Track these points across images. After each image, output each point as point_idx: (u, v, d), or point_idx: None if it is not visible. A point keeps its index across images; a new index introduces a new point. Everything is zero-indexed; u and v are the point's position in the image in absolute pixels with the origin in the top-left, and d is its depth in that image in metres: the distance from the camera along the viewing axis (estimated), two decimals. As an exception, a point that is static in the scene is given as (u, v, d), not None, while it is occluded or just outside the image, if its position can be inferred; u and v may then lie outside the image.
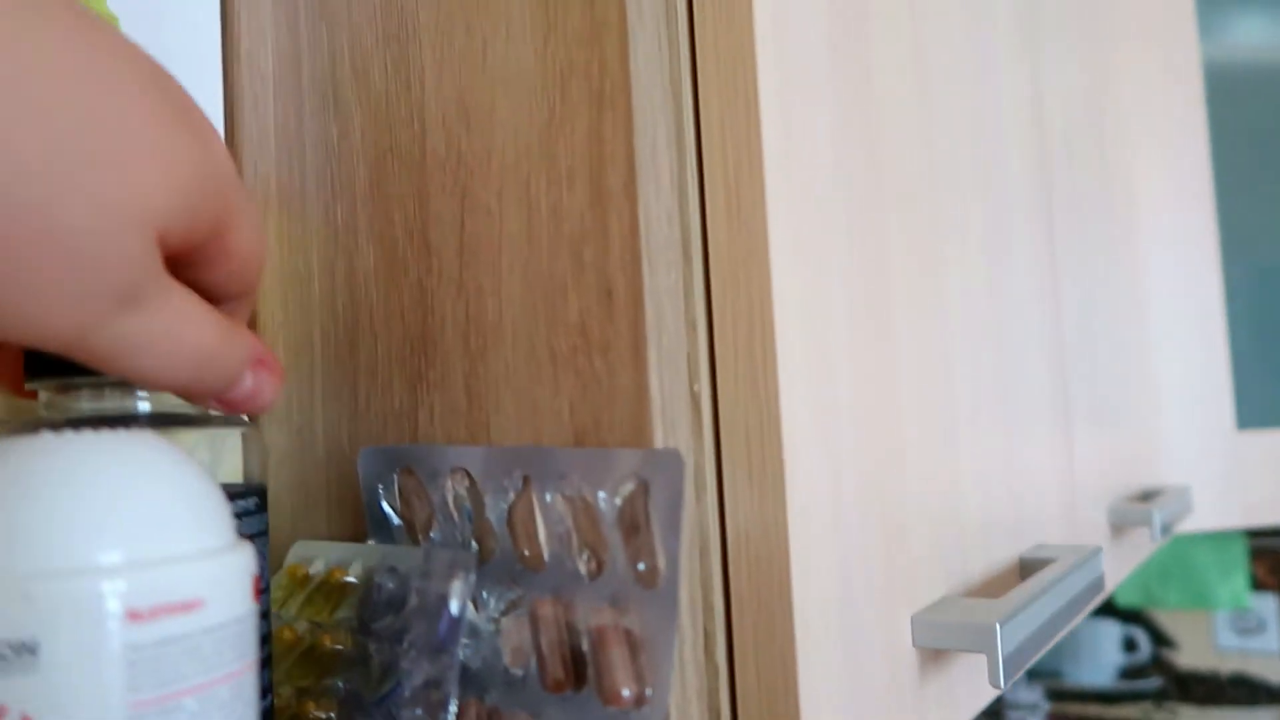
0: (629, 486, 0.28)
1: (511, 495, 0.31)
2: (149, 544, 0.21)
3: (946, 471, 0.40)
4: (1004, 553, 0.46)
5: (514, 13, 0.32)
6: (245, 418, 0.32)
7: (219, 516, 0.23)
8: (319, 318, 0.38)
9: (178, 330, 0.22)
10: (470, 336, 0.33)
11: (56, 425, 0.28)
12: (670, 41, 0.31)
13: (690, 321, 0.30)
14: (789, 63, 0.32)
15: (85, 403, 0.28)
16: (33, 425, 0.28)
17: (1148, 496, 0.75)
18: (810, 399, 0.31)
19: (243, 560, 0.23)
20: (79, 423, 0.28)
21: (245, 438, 0.32)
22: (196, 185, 0.22)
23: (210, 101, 0.41)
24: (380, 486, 0.34)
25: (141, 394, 0.29)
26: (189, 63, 0.40)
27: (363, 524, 0.37)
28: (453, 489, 0.32)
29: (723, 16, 0.31)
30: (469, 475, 0.32)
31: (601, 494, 0.28)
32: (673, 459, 0.27)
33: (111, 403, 0.29)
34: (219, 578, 0.22)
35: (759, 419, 0.30)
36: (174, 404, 0.30)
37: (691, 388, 0.30)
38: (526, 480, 0.30)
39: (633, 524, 0.27)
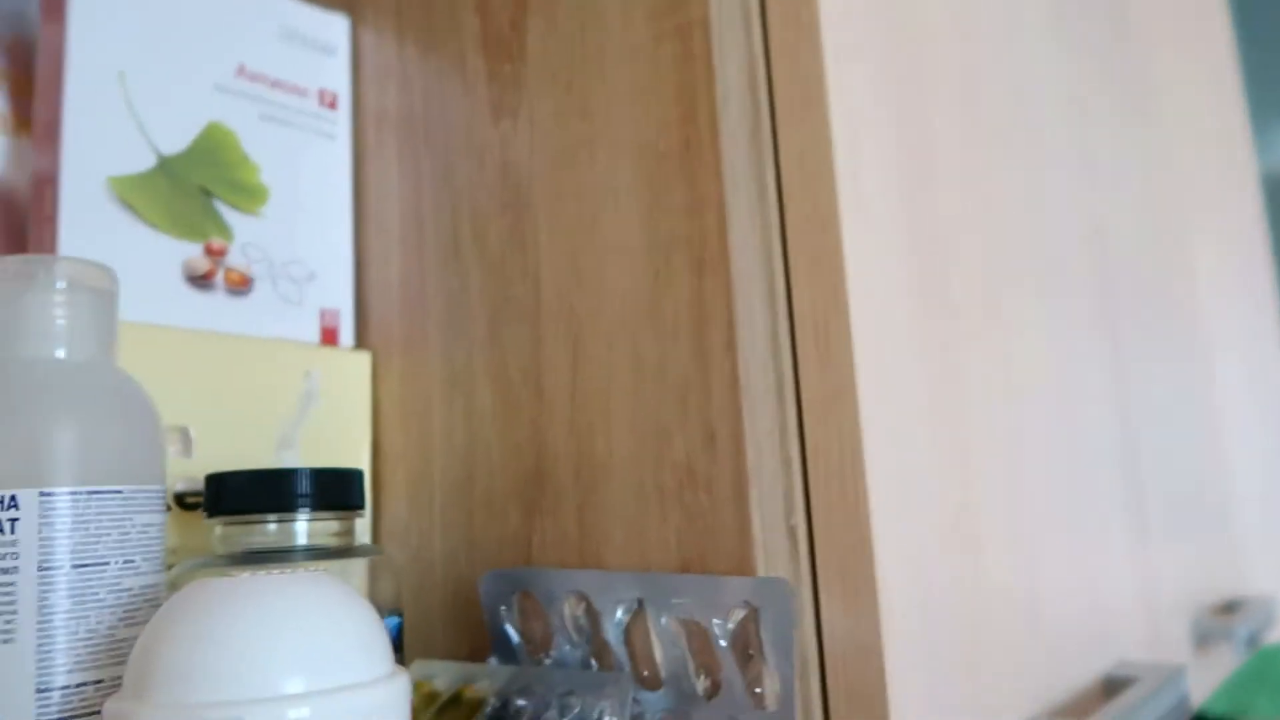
0: (740, 613, 0.31)
1: (626, 617, 0.34)
2: (329, 674, 0.25)
3: (1027, 587, 0.42)
4: (1086, 668, 0.47)
5: (621, 188, 0.37)
6: (379, 547, 0.36)
7: (383, 645, 0.27)
8: (438, 449, 0.42)
9: None
10: (581, 471, 0.37)
11: (234, 558, 0.32)
12: (762, 213, 0.35)
13: (785, 459, 0.34)
14: (867, 222, 0.36)
15: (254, 536, 0.32)
16: (213, 560, 0.32)
17: (1231, 607, 0.75)
18: (899, 525, 0.34)
19: (403, 684, 0.27)
20: (251, 555, 0.32)
21: (375, 565, 0.36)
22: None
23: (341, 254, 0.46)
24: (502, 608, 0.37)
25: (300, 528, 0.33)
26: (323, 219, 0.45)
27: (475, 642, 0.40)
28: (570, 611, 0.35)
29: (808, 186, 0.35)
30: (585, 598, 0.35)
31: (715, 620, 0.31)
32: (781, 587, 0.30)
33: (275, 537, 0.33)
34: (386, 701, 0.26)
35: (852, 547, 0.33)
36: (325, 538, 0.34)
37: (788, 521, 0.33)
38: (640, 603, 0.33)
39: (746, 648, 0.30)
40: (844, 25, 0.38)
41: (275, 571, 0.25)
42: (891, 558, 0.33)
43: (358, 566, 0.37)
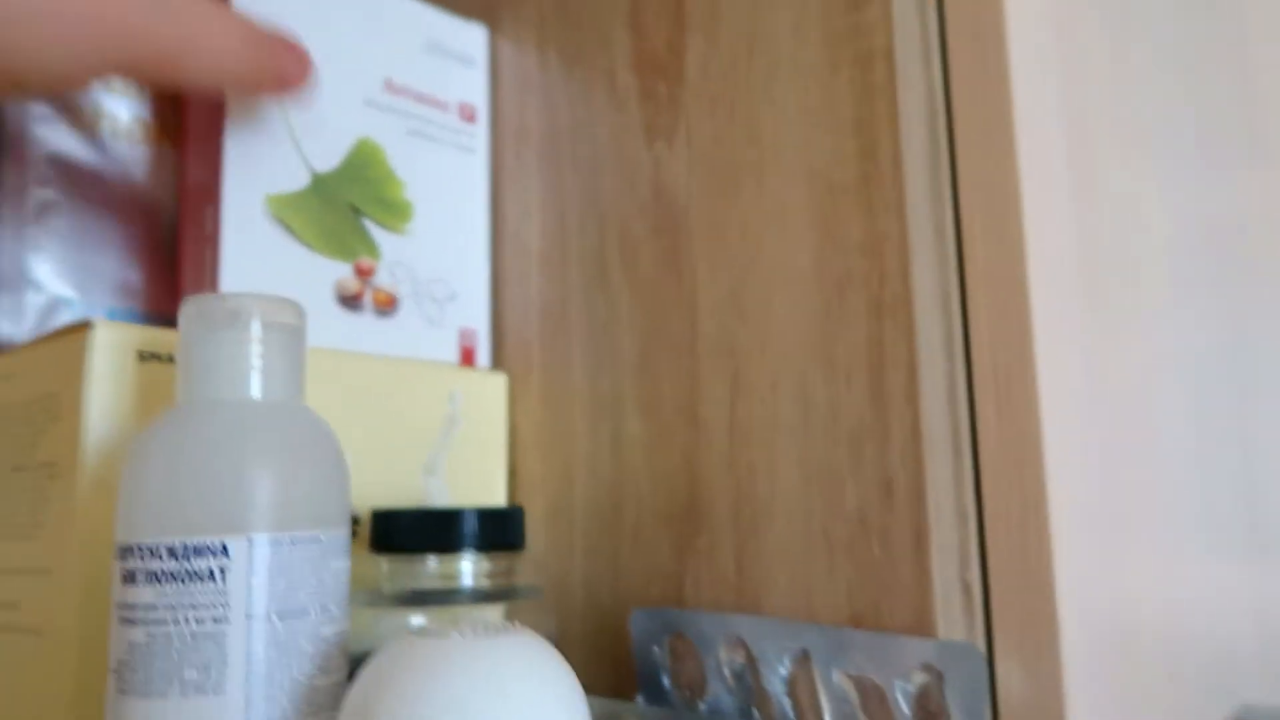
0: (922, 676, 0.30)
1: (791, 668, 0.33)
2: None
3: (1170, 633, 0.41)
4: (1214, 713, 0.46)
5: (790, 219, 0.35)
6: (539, 588, 0.35)
7: (585, 712, 0.26)
8: (581, 476, 0.41)
9: (213, 20, 0.33)
10: (741, 511, 0.36)
11: (402, 598, 0.31)
12: (941, 254, 0.33)
13: (961, 513, 0.32)
14: (1050, 266, 0.34)
15: (421, 577, 0.32)
16: (380, 597, 0.31)
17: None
18: (1080, 583, 0.33)
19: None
20: (418, 595, 0.32)
21: (533, 608, 0.35)
22: None
23: (479, 273, 0.45)
24: (654, 648, 0.36)
25: (465, 568, 0.33)
26: (462, 237, 0.45)
27: (616, 676, 0.39)
28: (727, 655, 0.35)
29: (991, 228, 0.34)
30: (744, 644, 0.34)
31: (896, 680, 0.30)
32: (971, 654, 0.29)
33: (440, 578, 0.32)
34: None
35: (1034, 607, 0.31)
36: (488, 578, 0.33)
37: (962, 576, 0.32)
38: (806, 654, 0.33)
39: (928, 714, 0.29)
40: (1030, 64, 0.36)
41: (468, 626, 0.25)
42: (1072, 617, 0.32)
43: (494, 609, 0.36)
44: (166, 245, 0.44)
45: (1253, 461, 0.50)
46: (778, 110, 0.36)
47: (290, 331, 0.28)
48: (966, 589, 0.32)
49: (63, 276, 0.41)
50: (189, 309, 0.28)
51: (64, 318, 0.41)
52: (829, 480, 0.33)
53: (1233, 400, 0.49)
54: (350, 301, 0.39)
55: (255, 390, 0.27)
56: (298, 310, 0.29)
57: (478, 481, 0.42)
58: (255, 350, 0.27)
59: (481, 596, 0.32)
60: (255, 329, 0.27)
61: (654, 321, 0.39)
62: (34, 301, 0.40)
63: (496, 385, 0.43)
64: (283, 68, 0.36)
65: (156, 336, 0.32)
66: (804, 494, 0.34)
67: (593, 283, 0.42)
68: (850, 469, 0.33)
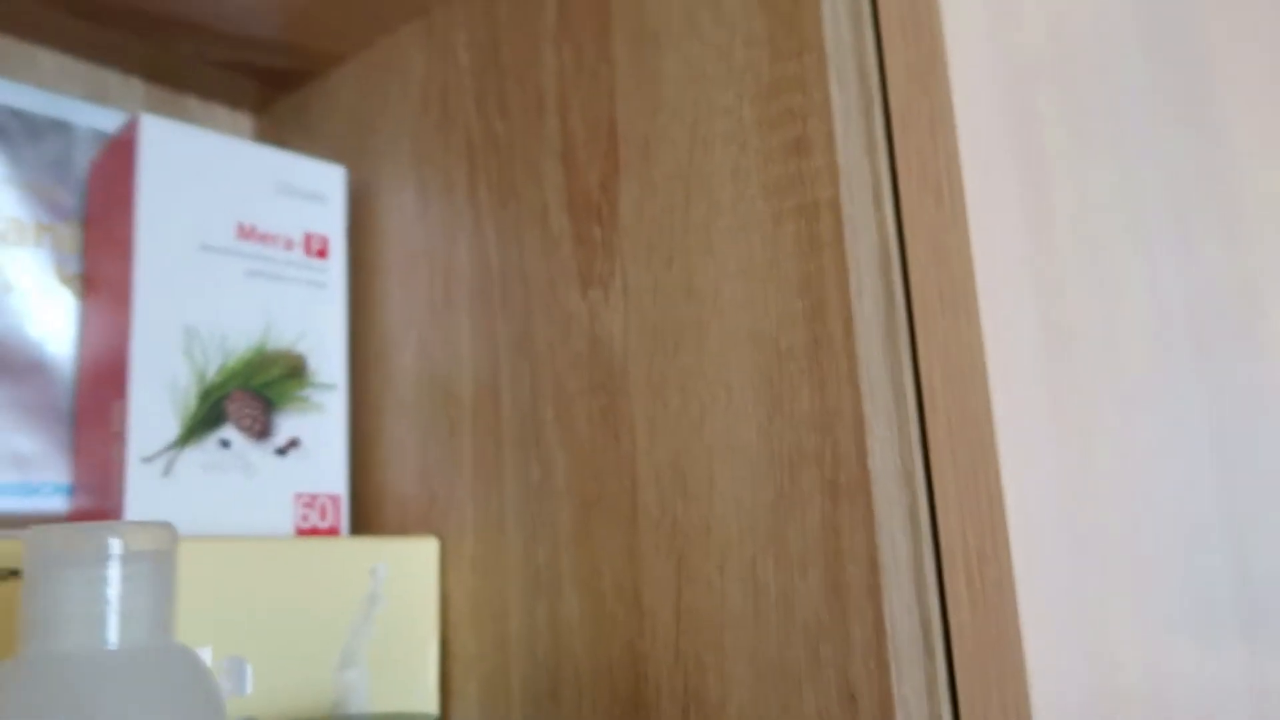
0: None
1: None
2: None
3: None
4: None
5: (735, 385, 0.32)
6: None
7: None
8: (517, 658, 0.37)
9: None
10: (691, 711, 0.32)
11: None
12: (901, 425, 0.30)
13: (935, 720, 0.29)
14: (1022, 428, 0.31)
15: None
16: None
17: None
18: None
19: None
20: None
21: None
22: None
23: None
24: None
25: None
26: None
27: None
28: None
29: (955, 392, 0.30)
30: None
31: None
32: None
33: None
34: None
35: (1019, 836, 0.28)
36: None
37: (940, 794, 0.28)
38: None
39: None
40: (990, 202, 0.33)
41: None
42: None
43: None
44: (61, 409, 0.40)
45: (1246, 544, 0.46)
46: (719, 264, 0.33)
47: (156, 560, 0.25)
48: (944, 811, 0.28)
49: (-60, 452, 0.37)
50: (33, 541, 0.24)
51: (-59, 498, 0.37)
52: (784, 683, 0.30)
53: (1221, 480, 0.46)
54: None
55: (109, 637, 0.23)
56: (167, 534, 0.25)
57: (408, 659, 0.38)
58: (111, 590, 0.24)
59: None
60: (111, 565, 0.24)
61: (592, 490, 0.36)
62: (-95, 483, 0.36)
63: (427, 551, 0.40)
64: None
65: (11, 550, 0.28)
66: (758, 697, 0.30)
67: (527, 440, 0.38)
68: (808, 672, 0.29)
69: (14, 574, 0.28)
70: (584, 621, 0.35)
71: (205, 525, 0.38)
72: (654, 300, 0.35)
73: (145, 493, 0.36)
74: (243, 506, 0.39)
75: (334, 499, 0.42)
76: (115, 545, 0.24)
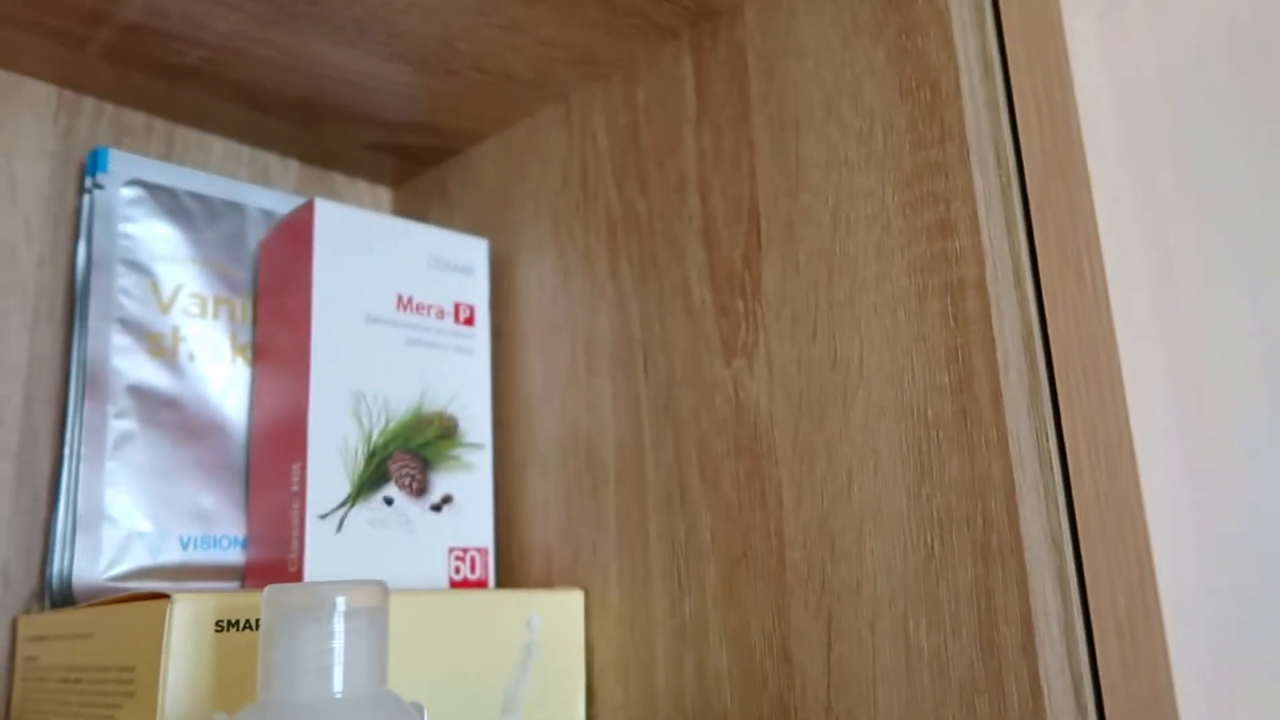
0: None
1: None
2: None
3: None
4: None
5: (882, 452, 0.34)
6: None
7: None
8: (664, 709, 0.39)
9: None
10: (843, 764, 0.33)
11: None
12: (1047, 491, 0.32)
13: (1090, 777, 0.30)
14: (1162, 491, 0.32)
15: None
16: None
17: None
18: None
19: None
20: None
21: None
22: None
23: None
24: None
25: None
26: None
27: None
28: None
29: (1099, 460, 0.32)
30: None
31: None
32: None
33: None
34: None
35: None
36: None
37: None
38: None
39: None
40: (1126, 268, 0.35)
41: None
42: None
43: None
44: (237, 467, 0.43)
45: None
46: (863, 337, 0.35)
47: (373, 615, 0.27)
48: None
49: (138, 508, 0.41)
50: (271, 599, 0.27)
51: (138, 551, 0.40)
52: (940, 740, 0.31)
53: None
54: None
55: (336, 686, 0.26)
56: (381, 591, 0.28)
57: (558, 708, 0.40)
58: (338, 643, 0.26)
59: None
60: (338, 620, 0.26)
61: (738, 547, 0.38)
62: (110, 537, 0.40)
63: (573, 603, 0.42)
64: None
65: (232, 604, 0.31)
66: (913, 752, 0.32)
67: (673, 499, 0.40)
68: (964, 729, 0.31)
69: (231, 625, 0.31)
70: (733, 674, 0.37)
71: (371, 577, 0.41)
72: (798, 370, 0.37)
73: (321, 547, 0.39)
74: (404, 559, 0.42)
75: (482, 552, 0.44)
76: (341, 603, 0.27)
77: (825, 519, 0.35)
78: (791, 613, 0.36)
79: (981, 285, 0.32)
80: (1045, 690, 0.29)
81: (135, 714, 0.30)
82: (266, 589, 0.27)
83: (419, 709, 0.35)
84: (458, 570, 0.43)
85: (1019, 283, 0.33)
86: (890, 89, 0.36)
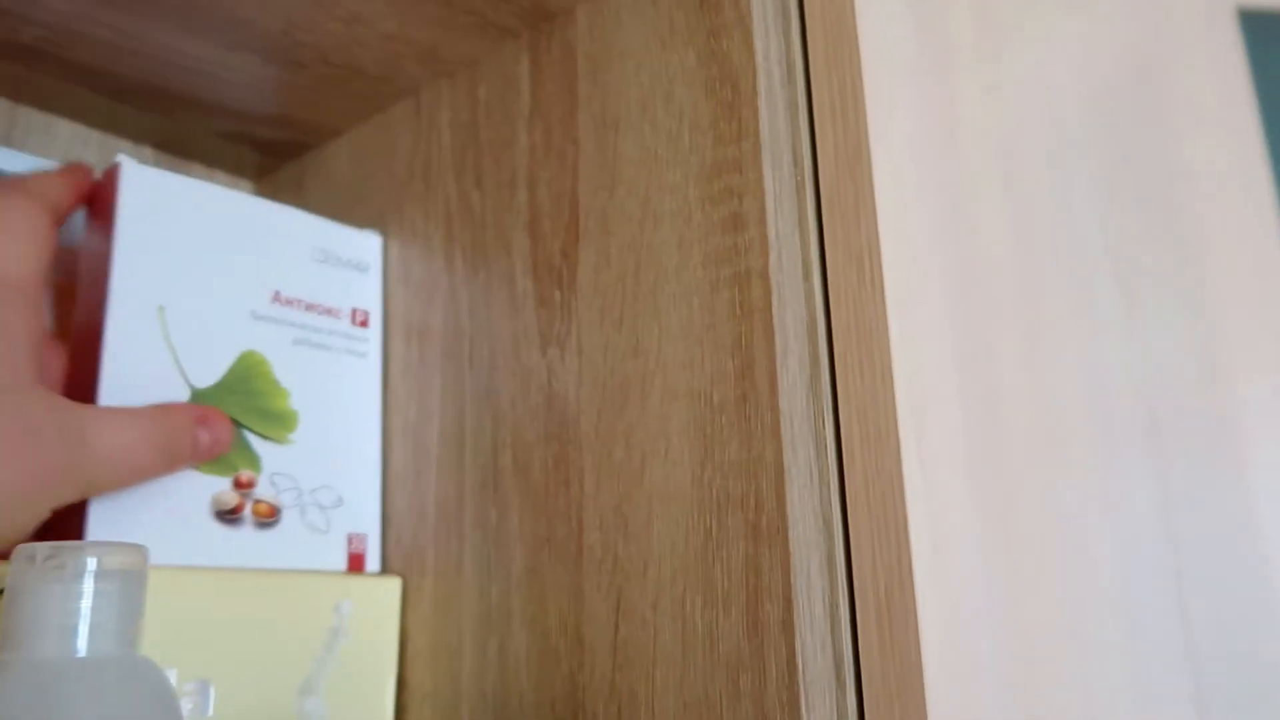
0: None
1: None
2: None
3: None
4: None
5: (673, 436, 0.35)
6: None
7: None
8: (467, 694, 0.39)
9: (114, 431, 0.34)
10: (623, 743, 0.34)
11: None
12: (821, 476, 0.33)
13: (845, 752, 0.31)
14: (933, 478, 0.34)
15: None
16: None
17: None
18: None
19: None
20: None
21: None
22: None
23: (369, 476, 0.44)
24: None
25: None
26: (351, 441, 0.44)
27: None
28: None
29: (870, 446, 0.33)
30: None
31: None
32: None
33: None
34: None
35: None
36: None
37: (848, 821, 0.30)
38: None
39: None
40: (909, 266, 0.37)
41: None
42: None
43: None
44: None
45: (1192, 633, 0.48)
46: (663, 326, 0.36)
47: (126, 578, 0.27)
48: (851, 838, 0.30)
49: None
50: (19, 555, 0.27)
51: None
52: (708, 713, 0.32)
53: (1169, 550, 0.48)
54: (228, 516, 0.38)
55: (80, 646, 0.26)
56: (139, 555, 0.28)
57: (365, 695, 0.40)
58: (85, 604, 0.26)
59: None
60: (87, 580, 0.26)
61: (542, 532, 0.38)
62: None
63: (389, 590, 0.42)
64: (194, 441, 0.37)
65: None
66: (684, 728, 0.32)
67: (487, 486, 0.41)
68: (728, 703, 0.31)
69: (-1, 591, 0.31)
70: (530, 657, 0.37)
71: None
72: (604, 358, 0.38)
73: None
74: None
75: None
76: (91, 563, 0.27)
77: (620, 503, 0.36)
78: (585, 595, 0.36)
79: (765, 276, 0.34)
80: (800, 666, 0.30)
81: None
82: (18, 547, 0.27)
83: (205, 686, 0.35)
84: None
85: (807, 276, 0.35)
86: (698, 89, 0.37)
